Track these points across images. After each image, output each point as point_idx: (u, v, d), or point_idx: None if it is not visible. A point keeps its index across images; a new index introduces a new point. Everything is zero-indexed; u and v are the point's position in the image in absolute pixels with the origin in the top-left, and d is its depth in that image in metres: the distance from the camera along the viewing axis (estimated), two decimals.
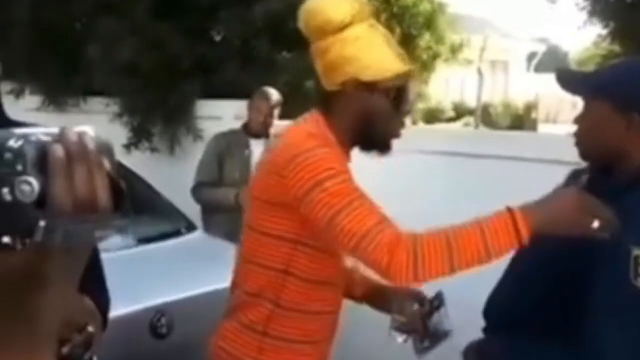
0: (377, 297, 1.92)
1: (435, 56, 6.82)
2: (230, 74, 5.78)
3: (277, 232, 1.68)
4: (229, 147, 3.83)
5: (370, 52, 1.65)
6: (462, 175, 3.91)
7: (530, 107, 18.14)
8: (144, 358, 2.51)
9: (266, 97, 3.89)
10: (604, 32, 7.80)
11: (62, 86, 6.72)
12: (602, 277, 1.46)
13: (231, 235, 3.59)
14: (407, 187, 3.98)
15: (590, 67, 8.12)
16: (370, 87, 1.66)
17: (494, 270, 1.76)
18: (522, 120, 17.39)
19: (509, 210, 1.48)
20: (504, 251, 1.49)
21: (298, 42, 5.86)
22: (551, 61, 20.26)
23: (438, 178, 3.94)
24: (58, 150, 0.50)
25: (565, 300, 1.54)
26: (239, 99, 5.40)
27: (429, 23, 6.73)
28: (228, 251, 3.31)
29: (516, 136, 6.42)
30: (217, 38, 6.46)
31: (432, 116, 13.50)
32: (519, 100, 18.27)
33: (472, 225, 1.49)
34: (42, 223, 0.48)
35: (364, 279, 1.92)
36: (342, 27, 1.65)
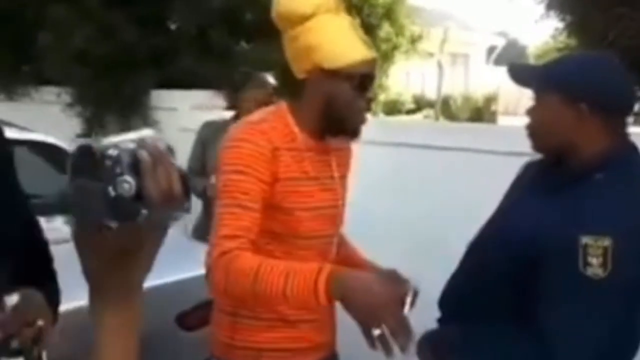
0: None
1: (394, 47, 6.81)
2: (186, 64, 5.68)
3: None
4: (214, 135, 3.64)
5: (334, 41, 1.68)
6: (422, 167, 3.90)
7: (490, 100, 18.34)
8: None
9: (263, 85, 3.61)
10: (561, 25, 7.90)
11: (12, 75, 6.52)
12: (552, 265, 1.47)
13: (199, 229, 3.47)
14: (366, 179, 3.95)
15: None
16: (333, 74, 1.68)
17: (449, 261, 1.75)
18: (481, 112, 17.58)
19: (318, 272, 1.45)
20: (301, 304, 1.52)
21: (256, 33, 5.81)
22: (510, 55, 20.54)
23: (398, 170, 3.92)
24: (145, 155, 0.65)
25: (518, 290, 1.54)
26: (195, 89, 5.31)
27: (389, 14, 6.71)
28: (180, 244, 3.26)
29: (476, 128, 6.47)
30: (173, 27, 6.33)
31: (393, 108, 13.54)
32: (478, 93, 18.46)
33: (280, 274, 1.49)
34: (143, 212, 0.65)
35: (349, 256, 1.93)
36: (307, 17, 1.69)
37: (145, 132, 0.68)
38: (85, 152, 0.65)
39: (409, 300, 1.72)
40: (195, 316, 2.55)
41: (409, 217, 3.66)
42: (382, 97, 7.63)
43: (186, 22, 5.94)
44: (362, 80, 1.70)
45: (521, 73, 1.71)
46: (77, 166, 0.65)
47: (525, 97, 1.73)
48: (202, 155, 3.68)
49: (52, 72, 6.04)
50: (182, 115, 5.34)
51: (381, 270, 1.85)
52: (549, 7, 7.68)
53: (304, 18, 1.69)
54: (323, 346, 1.87)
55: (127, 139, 0.67)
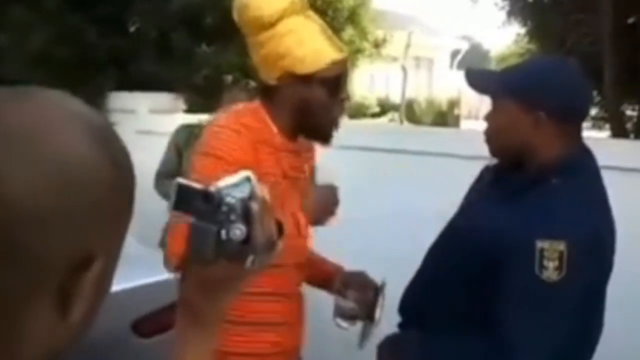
0: (324, 280, 1.88)
1: (358, 51, 6.82)
2: (146, 67, 5.59)
3: None
4: (190, 139, 3.58)
5: (304, 45, 1.65)
6: (387, 170, 3.89)
7: (453, 104, 18.53)
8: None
9: (246, 87, 3.59)
10: (523, 31, 8.03)
11: None
12: (509, 269, 1.47)
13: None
14: (332, 182, 3.92)
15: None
16: (306, 79, 1.66)
17: (410, 267, 1.75)
18: (445, 116, 17.74)
19: None
20: None
21: (217, 36, 5.76)
22: (474, 59, 20.79)
23: (363, 173, 3.91)
24: (255, 206, 0.73)
25: (476, 294, 1.55)
26: (155, 91, 5.24)
27: (353, 17, 6.72)
28: (134, 250, 3.20)
29: (439, 132, 6.50)
30: (132, 29, 6.23)
31: (358, 111, 13.59)
32: (442, 97, 18.64)
33: None
34: (251, 256, 0.74)
35: (313, 260, 1.91)
36: (274, 22, 1.64)
37: (245, 174, 0.75)
38: (205, 197, 0.73)
39: (380, 302, 1.72)
40: (151, 323, 2.50)
41: (371, 221, 3.66)
42: None
43: (146, 24, 5.86)
44: (335, 83, 1.68)
45: (478, 79, 1.70)
46: (197, 209, 0.73)
47: (487, 101, 1.72)
48: (176, 159, 3.63)
49: (11, 74, 5.90)
50: (140, 118, 5.26)
51: (348, 272, 1.84)
52: (510, 13, 7.82)
53: (270, 24, 1.65)
54: (290, 351, 1.84)
55: (239, 179, 0.75)
